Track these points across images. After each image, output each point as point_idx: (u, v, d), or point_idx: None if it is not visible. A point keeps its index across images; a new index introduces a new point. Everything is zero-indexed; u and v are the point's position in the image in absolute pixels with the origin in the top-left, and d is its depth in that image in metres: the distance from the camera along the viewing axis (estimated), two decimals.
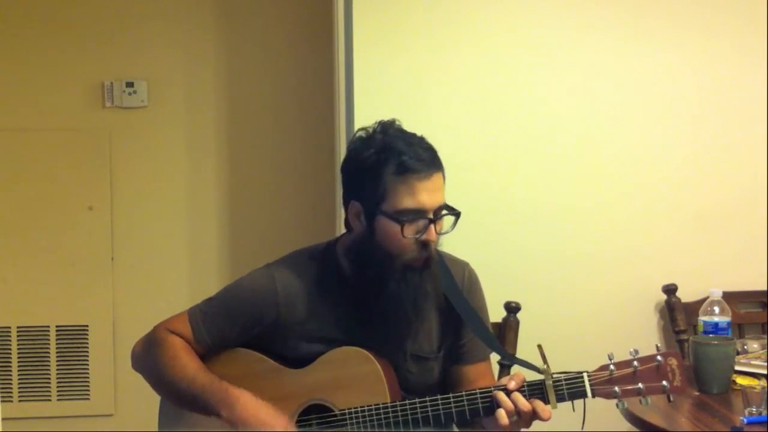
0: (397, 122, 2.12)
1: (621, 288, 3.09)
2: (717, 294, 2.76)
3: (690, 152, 3.10)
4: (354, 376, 2.08)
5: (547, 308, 2.99)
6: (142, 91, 3.63)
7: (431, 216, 2.04)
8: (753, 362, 2.60)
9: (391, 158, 2.03)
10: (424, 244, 2.05)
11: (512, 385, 2.01)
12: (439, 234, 2.07)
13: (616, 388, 1.99)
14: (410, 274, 2.06)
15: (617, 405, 2.01)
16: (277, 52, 3.69)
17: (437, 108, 2.98)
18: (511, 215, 3.05)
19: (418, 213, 2.03)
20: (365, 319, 2.12)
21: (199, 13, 3.67)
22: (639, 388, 1.99)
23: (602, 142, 3.07)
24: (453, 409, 2.04)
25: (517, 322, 2.68)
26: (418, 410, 2.05)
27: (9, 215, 3.61)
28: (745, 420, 2.17)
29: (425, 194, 2.03)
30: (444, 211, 2.07)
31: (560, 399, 2.00)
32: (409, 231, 2.03)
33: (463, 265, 2.25)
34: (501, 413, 1.99)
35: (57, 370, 3.65)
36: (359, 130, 2.14)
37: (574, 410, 2.02)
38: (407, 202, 2.02)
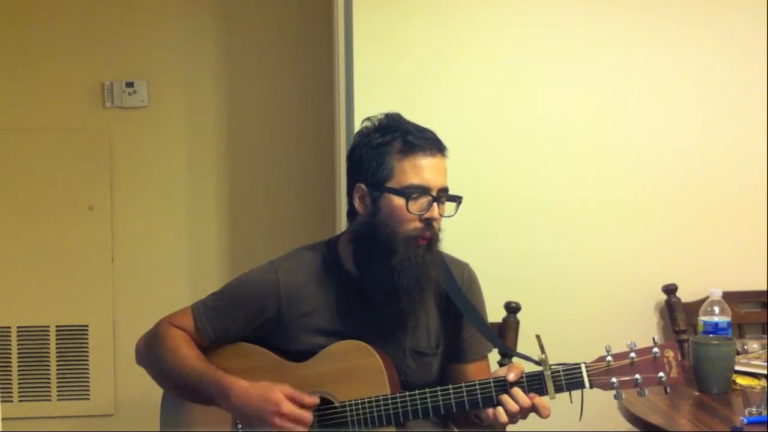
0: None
1: (621, 288, 3.09)
2: (717, 294, 2.75)
3: (690, 153, 3.10)
4: (354, 369, 2.09)
5: (547, 308, 2.99)
6: (142, 91, 3.63)
7: (435, 194, 2.08)
8: (753, 362, 2.60)
9: (397, 137, 2.10)
10: (428, 223, 2.08)
11: (511, 376, 2.02)
12: (442, 216, 2.11)
13: (614, 379, 2.00)
14: (414, 252, 2.08)
15: (615, 396, 2.02)
16: (277, 52, 3.69)
17: (437, 108, 2.98)
18: (511, 215, 3.05)
19: (423, 190, 2.08)
20: (367, 311, 2.14)
21: (199, 13, 3.67)
22: (636, 379, 2.00)
23: (602, 142, 3.07)
24: (453, 401, 2.05)
25: (517, 322, 2.69)
26: (418, 402, 2.06)
27: (9, 215, 3.61)
28: (745, 420, 2.17)
29: (430, 172, 2.08)
30: (446, 195, 2.11)
31: (558, 389, 2.01)
32: (414, 207, 2.07)
33: (464, 265, 2.28)
34: (500, 411, 2.01)
35: (57, 370, 3.65)
36: (365, 120, 2.19)
37: (571, 402, 2.03)
38: (413, 179, 2.07)
